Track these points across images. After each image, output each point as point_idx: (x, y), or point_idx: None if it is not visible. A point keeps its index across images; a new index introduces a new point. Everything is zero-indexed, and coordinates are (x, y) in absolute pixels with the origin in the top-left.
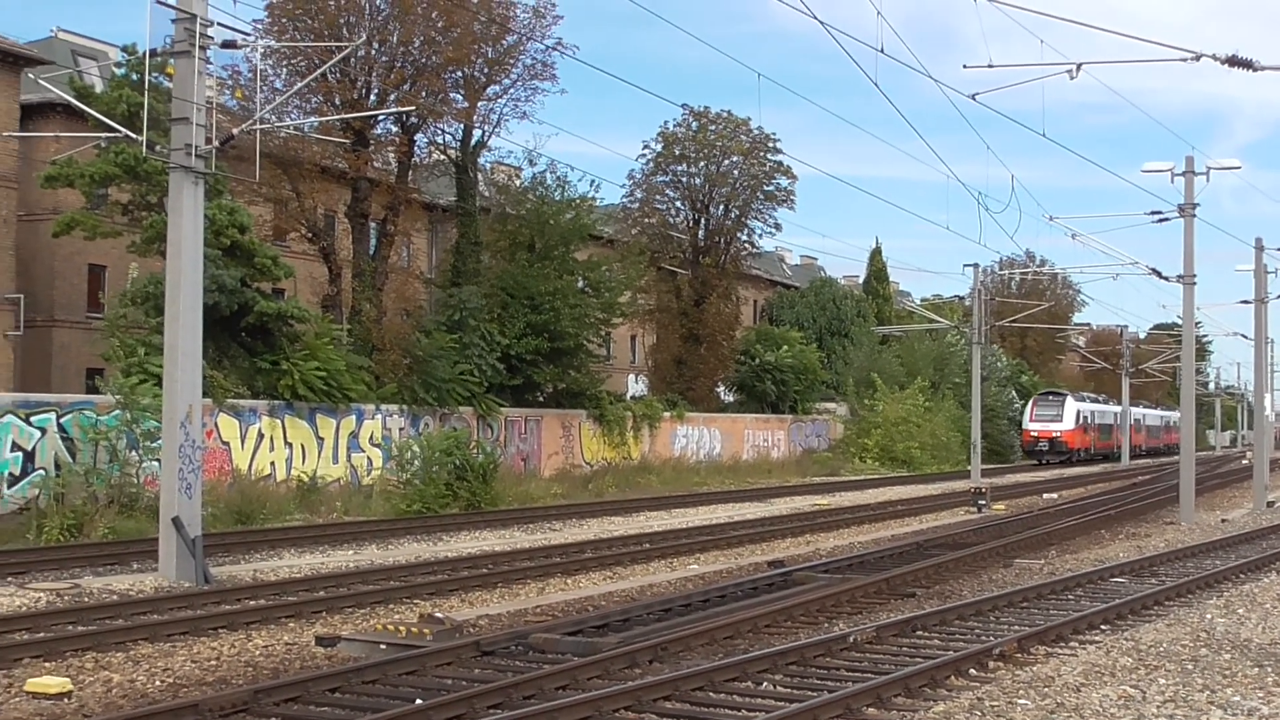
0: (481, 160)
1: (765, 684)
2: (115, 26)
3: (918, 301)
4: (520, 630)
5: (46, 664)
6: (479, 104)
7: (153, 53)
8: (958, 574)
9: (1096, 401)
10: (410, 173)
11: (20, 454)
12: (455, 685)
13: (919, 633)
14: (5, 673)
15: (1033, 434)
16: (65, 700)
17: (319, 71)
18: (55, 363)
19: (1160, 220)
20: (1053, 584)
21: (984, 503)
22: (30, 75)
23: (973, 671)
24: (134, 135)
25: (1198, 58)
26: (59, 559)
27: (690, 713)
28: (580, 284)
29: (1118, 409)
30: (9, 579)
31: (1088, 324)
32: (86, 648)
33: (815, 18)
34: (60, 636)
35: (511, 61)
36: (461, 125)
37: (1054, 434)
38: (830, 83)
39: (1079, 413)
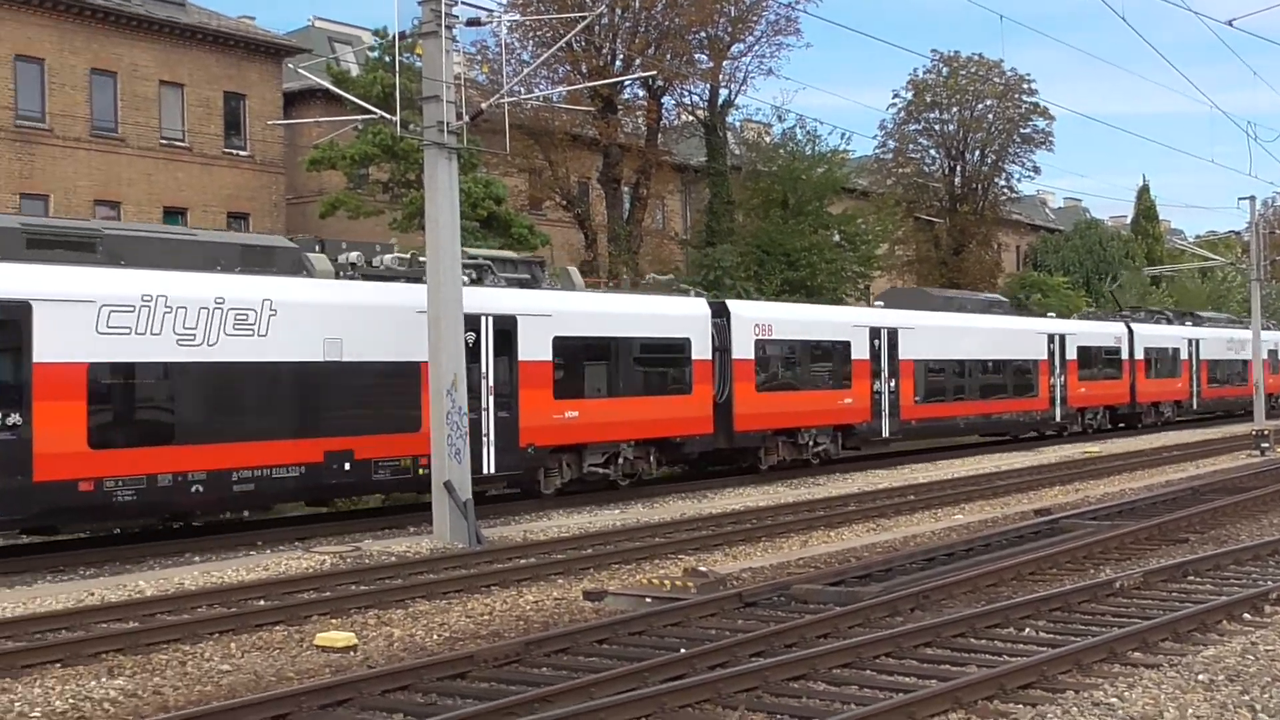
0: (730, 119)
1: (1028, 629)
2: (368, 12)
3: (1190, 239)
4: (782, 582)
5: (333, 620)
6: (724, 63)
7: (401, 35)
8: (1235, 519)
9: None
10: (660, 136)
11: None
12: (718, 635)
13: (1190, 578)
14: (297, 629)
15: None
16: (351, 653)
17: (562, 41)
18: None
19: None
20: None
21: (1266, 446)
22: (290, 65)
23: (1246, 616)
24: (388, 116)
25: None
26: (341, 526)
27: (951, 658)
28: (836, 238)
29: None
30: (296, 544)
31: None
32: (368, 605)
33: None
34: (344, 595)
35: (754, 19)
36: (708, 85)
37: None
38: (1080, 20)
39: None
